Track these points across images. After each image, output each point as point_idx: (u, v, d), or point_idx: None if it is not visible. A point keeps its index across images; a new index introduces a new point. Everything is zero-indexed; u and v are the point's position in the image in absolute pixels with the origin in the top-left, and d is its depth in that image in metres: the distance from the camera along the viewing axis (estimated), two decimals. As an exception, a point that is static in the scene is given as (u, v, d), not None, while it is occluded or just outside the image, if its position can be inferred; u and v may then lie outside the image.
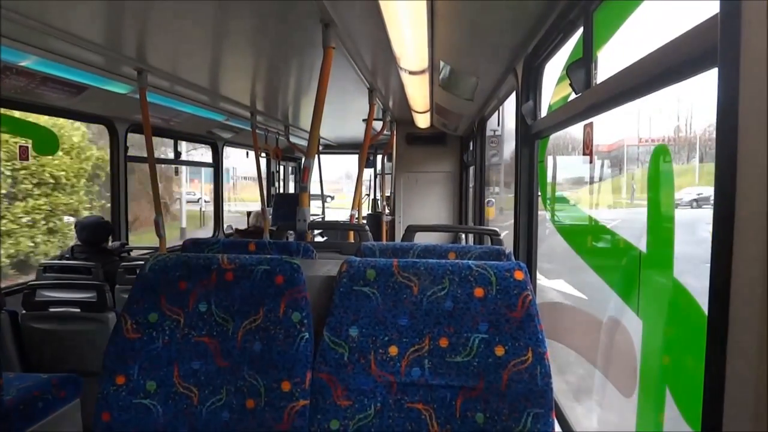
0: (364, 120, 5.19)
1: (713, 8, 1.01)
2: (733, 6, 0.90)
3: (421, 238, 3.06)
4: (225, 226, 8.02)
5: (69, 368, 3.02)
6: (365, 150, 5.37)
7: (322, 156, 10.00)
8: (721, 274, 0.94)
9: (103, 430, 1.70)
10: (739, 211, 0.90)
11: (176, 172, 7.77)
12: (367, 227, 3.79)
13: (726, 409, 0.94)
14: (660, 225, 1.92)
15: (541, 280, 5.23)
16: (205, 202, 20.22)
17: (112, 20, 3.19)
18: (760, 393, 0.85)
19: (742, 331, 0.90)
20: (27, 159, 4.58)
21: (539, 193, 3.11)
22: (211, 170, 7.86)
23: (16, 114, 4.31)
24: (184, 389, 1.72)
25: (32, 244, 9.21)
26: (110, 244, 4.92)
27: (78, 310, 3.74)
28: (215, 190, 7.92)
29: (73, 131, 10.08)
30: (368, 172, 11.31)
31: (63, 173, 9.79)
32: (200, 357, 1.73)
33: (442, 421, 1.65)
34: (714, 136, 0.91)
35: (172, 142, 6.85)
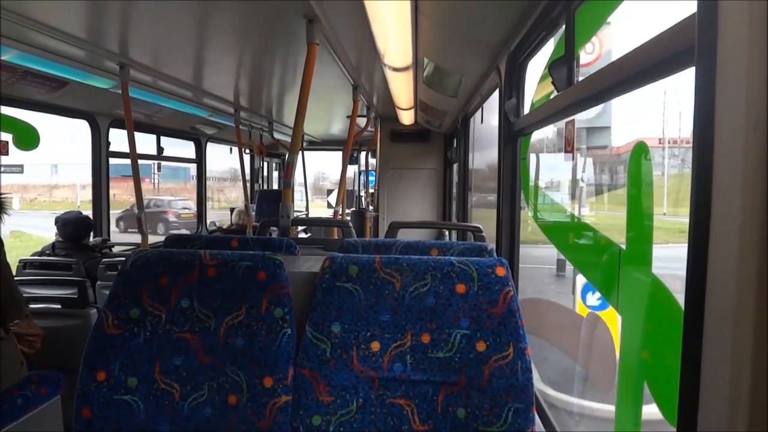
0: (348, 116, 5.19)
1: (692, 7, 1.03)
2: (710, 6, 0.91)
3: (405, 235, 3.07)
4: (208, 222, 7.99)
5: (49, 365, 2.99)
6: (349, 147, 5.37)
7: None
8: (697, 270, 0.95)
9: (83, 426, 1.69)
10: (714, 208, 0.91)
11: (158, 168, 7.71)
12: (350, 223, 3.79)
13: (701, 402, 0.95)
14: (640, 222, 1.94)
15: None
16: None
17: (95, 14, 3.16)
18: (735, 387, 0.87)
19: (717, 327, 0.91)
20: (7, 154, 4.53)
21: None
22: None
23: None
24: (165, 385, 1.71)
25: None
26: (92, 240, 4.88)
27: (59, 306, 3.71)
28: (198, 187, 7.88)
29: None
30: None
31: None
32: (182, 353, 1.72)
33: (424, 417, 1.66)
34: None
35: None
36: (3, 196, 2.64)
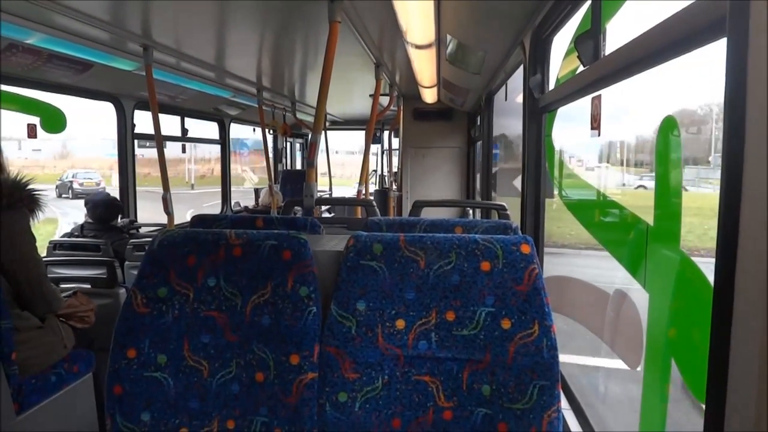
0: (370, 95, 5.17)
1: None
2: None
3: (429, 214, 3.07)
4: (233, 203, 8.06)
5: (81, 343, 3.06)
6: (372, 126, 5.35)
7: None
8: (727, 246, 0.94)
9: (115, 402, 1.73)
10: (746, 185, 0.90)
11: (183, 149, 7.75)
12: (374, 203, 3.80)
13: (730, 379, 0.94)
14: (668, 199, 1.91)
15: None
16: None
17: None
18: (765, 364, 0.86)
19: (747, 304, 0.90)
20: (35, 137, 4.61)
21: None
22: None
23: (23, 92, 4.33)
24: (194, 362, 1.73)
25: None
26: (119, 221, 4.95)
27: (89, 286, 3.78)
28: (222, 166, 7.93)
29: None
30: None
31: None
32: (210, 331, 1.74)
33: (449, 393, 1.67)
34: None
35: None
36: (36, 192, 2.68)
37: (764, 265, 0.84)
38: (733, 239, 0.92)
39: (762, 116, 0.86)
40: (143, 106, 5.49)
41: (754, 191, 0.88)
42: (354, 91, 7.10)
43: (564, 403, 2.41)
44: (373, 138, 6.32)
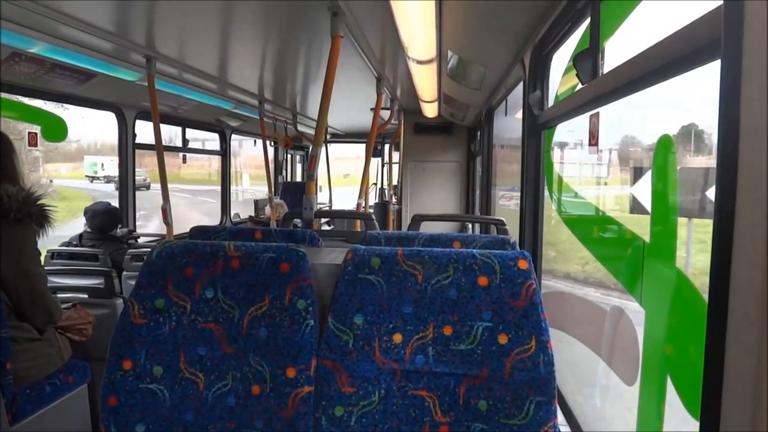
0: (371, 109, 5.20)
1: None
2: None
3: (428, 227, 3.08)
4: (232, 214, 8.06)
5: (77, 353, 3.05)
6: (372, 139, 5.37)
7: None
8: (721, 264, 0.95)
9: (109, 413, 1.72)
10: (740, 200, 0.91)
11: (184, 159, 7.78)
12: (373, 216, 3.80)
13: (725, 397, 0.95)
14: (665, 216, 1.92)
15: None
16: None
17: (122, 7, 3.20)
18: (758, 383, 0.86)
19: (740, 322, 0.91)
20: (36, 145, 4.63)
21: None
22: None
23: (25, 100, 4.35)
24: (190, 374, 1.73)
25: None
26: (118, 231, 4.96)
27: (86, 296, 3.78)
28: (223, 177, 7.94)
29: None
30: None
31: None
32: (206, 343, 1.74)
33: (446, 408, 1.66)
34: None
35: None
36: (46, 208, 2.69)
37: (759, 279, 0.85)
38: (727, 255, 0.93)
39: (756, 135, 0.87)
40: (145, 116, 5.51)
41: (748, 210, 0.89)
42: (355, 104, 7.13)
43: (560, 419, 2.41)
44: (373, 151, 6.35)
